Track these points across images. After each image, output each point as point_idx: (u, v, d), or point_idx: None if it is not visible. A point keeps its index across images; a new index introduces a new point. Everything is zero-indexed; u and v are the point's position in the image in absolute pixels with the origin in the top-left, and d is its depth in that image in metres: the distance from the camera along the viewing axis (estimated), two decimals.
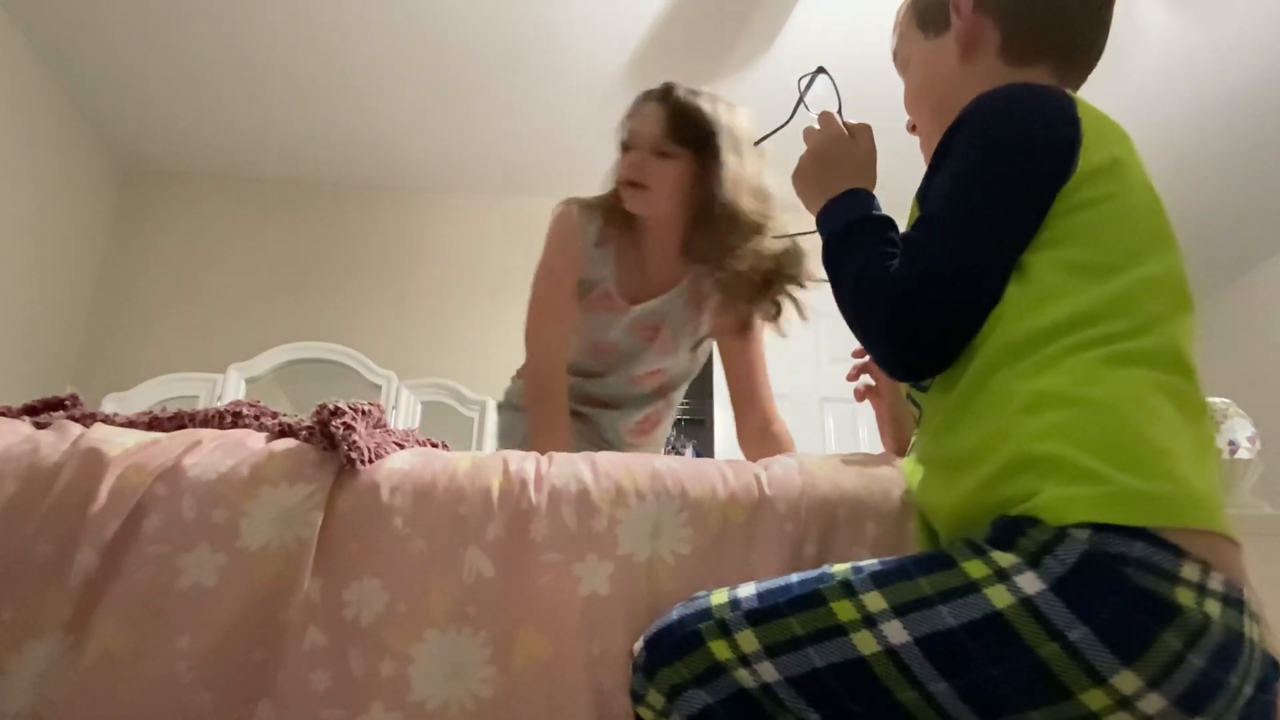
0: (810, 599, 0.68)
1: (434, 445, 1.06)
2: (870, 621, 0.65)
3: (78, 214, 3.33)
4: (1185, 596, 0.59)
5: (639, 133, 1.43)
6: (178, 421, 1.03)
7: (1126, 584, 0.59)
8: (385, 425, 1.03)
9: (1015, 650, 0.60)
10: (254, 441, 0.95)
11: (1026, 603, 0.60)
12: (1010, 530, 0.65)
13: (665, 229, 1.46)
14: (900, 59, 1.02)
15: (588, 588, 0.85)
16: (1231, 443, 1.57)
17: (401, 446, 0.99)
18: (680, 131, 1.40)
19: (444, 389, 3.24)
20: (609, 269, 1.49)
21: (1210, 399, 1.63)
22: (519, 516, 0.88)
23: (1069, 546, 0.61)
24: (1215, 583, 0.61)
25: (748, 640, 0.69)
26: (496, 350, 3.46)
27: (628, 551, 0.87)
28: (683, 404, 3.81)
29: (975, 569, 0.64)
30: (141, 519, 0.85)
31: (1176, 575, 0.60)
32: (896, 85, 1.04)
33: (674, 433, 3.85)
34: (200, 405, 3.17)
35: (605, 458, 0.96)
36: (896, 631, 0.64)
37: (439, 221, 3.65)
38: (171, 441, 0.94)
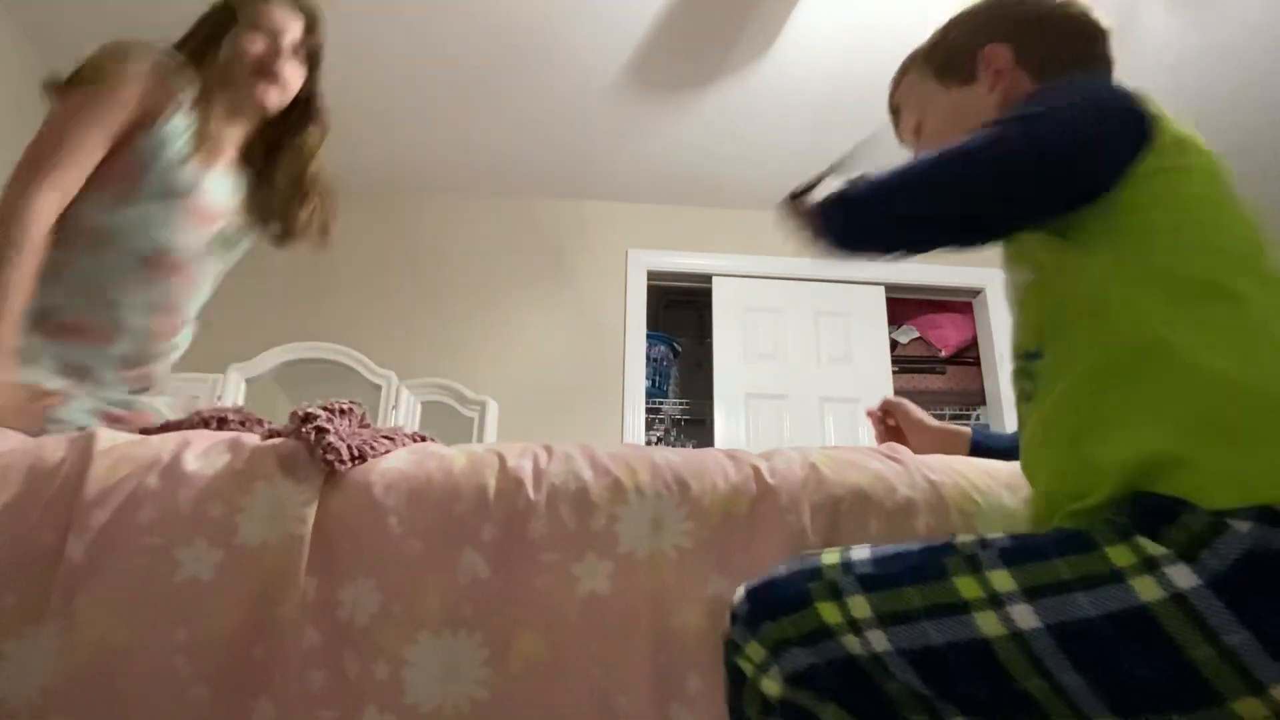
0: (930, 570, 0.65)
1: (423, 439, 1.04)
2: (996, 602, 0.61)
3: None
4: None
5: (286, 31, 1.40)
6: (167, 428, 1.05)
7: None
8: (369, 423, 1.03)
9: (1162, 649, 0.56)
10: (247, 440, 0.95)
11: (1179, 599, 0.56)
12: (1157, 514, 0.60)
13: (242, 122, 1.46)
14: (910, 109, 1.03)
15: (586, 587, 0.84)
16: None
17: (390, 440, 0.97)
18: (314, 48, 1.44)
19: (444, 389, 3.23)
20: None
21: None
22: (516, 516, 0.87)
23: (1229, 540, 0.56)
24: None
25: (859, 606, 0.65)
26: (496, 350, 3.46)
27: (628, 549, 0.86)
28: (682, 403, 3.83)
29: (1120, 555, 0.59)
30: (135, 511, 0.85)
31: None
32: None
33: (674, 432, 3.85)
34: (200, 405, 3.16)
35: (604, 453, 0.94)
36: (1025, 615, 0.60)
37: (439, 221, 3.64)
38: (162, 440, 0.94)
